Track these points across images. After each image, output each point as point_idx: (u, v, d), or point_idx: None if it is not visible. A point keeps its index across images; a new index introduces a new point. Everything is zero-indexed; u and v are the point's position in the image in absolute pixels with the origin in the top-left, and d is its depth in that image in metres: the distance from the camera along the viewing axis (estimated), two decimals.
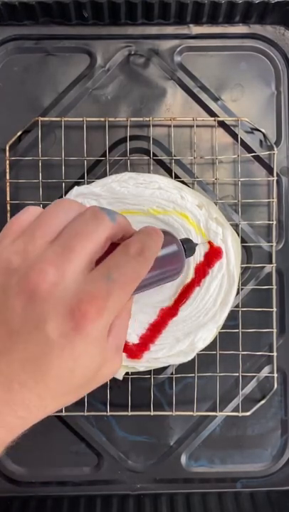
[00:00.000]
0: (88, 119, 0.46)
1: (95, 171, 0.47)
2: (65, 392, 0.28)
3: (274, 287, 0.47)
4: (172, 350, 0.43)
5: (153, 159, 0.47)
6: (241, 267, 0.46)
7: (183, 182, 0.46)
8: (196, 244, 0.41)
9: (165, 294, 0.43)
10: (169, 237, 0.34)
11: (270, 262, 0.47)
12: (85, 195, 0.43)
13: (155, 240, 0.31)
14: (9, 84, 0.48)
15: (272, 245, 0.47)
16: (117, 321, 0.29)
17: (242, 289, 0.47)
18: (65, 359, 0.26)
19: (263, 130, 0.48)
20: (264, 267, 0.48)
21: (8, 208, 0.46)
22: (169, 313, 0.43)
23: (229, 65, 0.49)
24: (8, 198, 0.46)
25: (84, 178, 0.46)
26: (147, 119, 0.47)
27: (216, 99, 0.48)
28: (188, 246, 0.36)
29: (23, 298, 0.26)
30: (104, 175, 0.46)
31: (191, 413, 0.46)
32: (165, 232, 0.34)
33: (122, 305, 0.28)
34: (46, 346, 0.26)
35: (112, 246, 0.30)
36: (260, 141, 0.48)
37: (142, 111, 0.48)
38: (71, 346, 0.26)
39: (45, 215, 0.29)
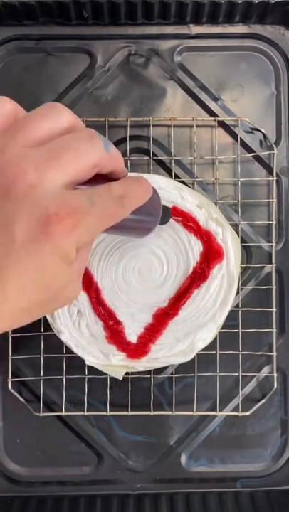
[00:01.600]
0: (88, 119, 0.46)
1: None
2: (23, 308, 0.26)
3: (274, 287, 0.47)
4: (172, 350, 0.43)
5: (153, 159, 0.47)
6: (241, 267, 0.46)
7: (183, 182, 0.46)
8: (170, 215, 0.40)
9: (165, 294, 0.43)
10: (155, 195, 0.34)
11: (270, 262, 0.47)
12: None
13: (140, 192, 0.30)
14: (9, 84, 0.48)
15: (272, 245, 0.47)
16: (82, 249, 0.28)
17: (242, 289, 0.47)
18: (28, 267, 0.24)
19: (262, 130, 0.48)
20: (264, 267, 0.48)
21: None
22: (166, 314, 0.43)
23: (229, 65, 0.49)
24: None
25: None
26: (147, 119, 0.47)
27: (216, 99, 0.48)
28: (164, 212, 0.36)
29: None
30: None
31: (191, 413, 0.46)
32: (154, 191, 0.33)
33: (94, 234, 0.27)
34: (10, 248, 0.24)
35: (96, 177, 0.28)
36: (260, 141, 0.48)
37: (142, 111, 0.48)
38: (37, 254, 0.24)
39: (33, 116, 0.27)
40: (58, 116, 0.28)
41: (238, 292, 0.45)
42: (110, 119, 0.47)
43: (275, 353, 0.47)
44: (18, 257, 0.24)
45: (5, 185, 0.25)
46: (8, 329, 0.26)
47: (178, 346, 0.43)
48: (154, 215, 0.35)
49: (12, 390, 0.46)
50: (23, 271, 0.24)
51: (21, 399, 0.46)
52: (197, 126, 0.47)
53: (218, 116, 0.48)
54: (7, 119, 0.27)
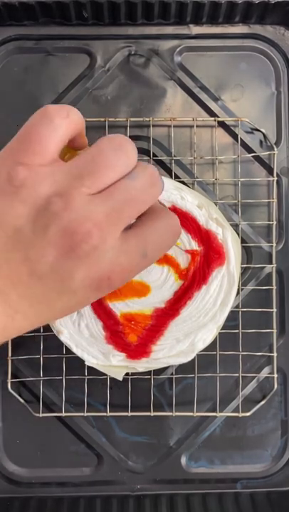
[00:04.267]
0: (88, 119, 0.46)
1: None
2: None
3: (274, 288, 0.47)
4: (172, 350, 0.43)
5: (153, 159, 0.47)
6: (241, 268, 0.45)
7: (183, 182, 0.46)
8: None
9: (165, 295, 0.43)
10: None
11: (270, 263, 0.47)
12: None
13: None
14: (9, 85, 0.48)
15: (272, 245, 0.47)
16: None
17: (242, 289, 0.47)
18: (75, 306, 0.28)
19: (263, 130, 0.48)
20: (264, 267, 0.48)
21: None
22: (166, 314, 0.43)
23: (229, 65, 0.48)
24: None
25: None
26: (147, 119, 0.47)
27: (216, 100, 0.48)
28: None
29: (59, 250, 0.26)
30: None
31: (191, 414, 0.46)
32: None
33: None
34: (66, 298, 0.27)
35: None
36: (260, 141, 0.48)
37: (142, 111, 0.48)
38: (87, 300, 0.28)
39: (103, 162, 0.27)
40: (126, 161, 0.28)
41: (238, 293, 0.45)
42: (110, 119, 0.46)
43: (275, 354, 0.47)
44: (69, 302, 0.27)
45: (69, 245, 0.26)
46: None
47: (178, 347, 0.43)
48: None
49: (12, 391, 0.46)
50: (66, 307, 0.28)
51: (21, 400, 0.46)
52: (197, 126, 0.47)
53: (218, 117, 0.48)
54: (74, 129, 0.29)
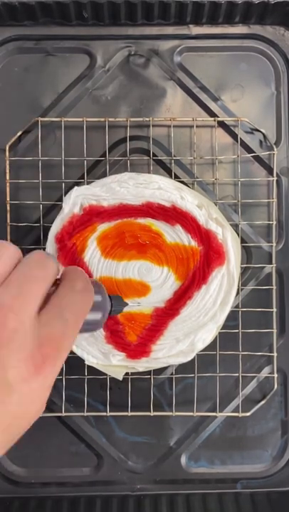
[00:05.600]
0: (88, 119, 0.46)
1: (94, 171, 0.47)
2: None
3: (274, 287, 0.47)
4: (172, 350, 0.43)
5: (153, 159, 0.47)
6: (241, 267, 0.45)
7: (183, 182, 0.46)
8: (126, 304, 0.41)
9: (165, 294, 0.43)
10: (96, 286, 0.34)
11: (270, 262, 0.47)
12: (85, 195, 0.43)
13: (86, 278, 0.32)
14: (9, 85, 0.48)
15: (272, 245, 0.47)
16: None
17: (242, 289, 0.47)
18: (23, 406, 0.26)
19: (262, 130, 0.48)
20: (264, 267, 0.48)
21: (8, 208, 0.46)
22: (166, 314, 0.43)
23: (229, 66, 0.49)
24: (8, 198, 0.46)
25: (84, 179, 0.46)
26: (147, 119, 0.47)
27: (215, 100, 0.48)
28: (116, 302, 0.36)
29: None
30: (104, 175, 0.46)
31: (191, 414, 0.46)
32: (92, 282, 0.33)
33: (73, 343, 0.29)
34: (6, 395, 0.25)
35: None
36: (260, 141, 0.48)
37: (142, 111, 0.48)
38: (32, 392, 0.26)
39: None
40: (10, 254, 0.28)
41: (238, 292, 0.45)
42: (110, 119, 0.47)
43: (275, 354, 0.47)
44: (13, 400, 0.26)
45: None
46: None
47: (178, 346, 0.43)
48: (102, 311, 0.34)
49: None
50: (15, 411, 0.26)
51: None
52: (197, 126, 0.47)
53: (218, 117, 0.48)
54: None
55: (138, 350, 0.43)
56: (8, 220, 0.46)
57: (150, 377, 0.46)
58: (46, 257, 0.29)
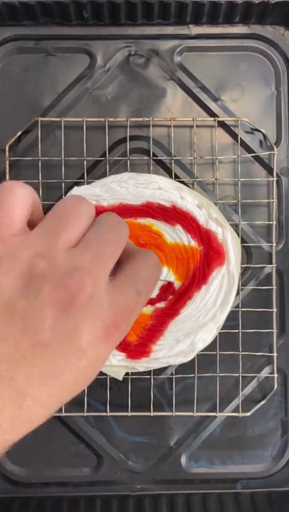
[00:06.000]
0: (88, 119, 0.46)
1: (94, 171, 0.47)
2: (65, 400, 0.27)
3: (274, 287, 0.47)
4: (172, 350, 0.43)
5: (153, 159, 0.47)
6: (241, 267, 0.45)
7: (183, 182, 0.46)
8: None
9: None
10: None
11: (270, 263, 0.47)
12: (85, 195, 0.43)
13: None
14: (9, 85, 0.48)
15: (272, 245, 0.47)
16: None
17: (242, 289, 0.47)
18: (87, 370, 0.26)
19: (263, 130, 0.48)
20: (264, 267, 0.48)
21: None
22: (166, 314, 0.43)
23: (229, 66, 0.49)
24: None
25: (84, 179, 0.46)
26: (147, 119, 0.47)
27: (216, 100, 0.48)
28: None
29: (57, 308, 0.25)
30: (104, 175, 0.46)
31: (191, 414, 0.46)
32: None
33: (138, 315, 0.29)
34: (75, 359, 0.25)
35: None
36: (260, 141, 0.48)
37: (142, 111, 0.48)
38: (98, 357, 0.26)
39: (67, 217, 0.27)
40: (88, 211, 0.28)
41: (238, 293, 0.45)
42: (110, 119, 0.46)
43: (275, 354, 0.47)
44: (81, 365, 0.26)
45: (65, 300, 0.25)
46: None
47: (178, 347, 0.43)
48: None
49: None
50: (81, 376, 0.26)
51: None
52: (197, 126, 0.47)
53: (218, 117, 0.48)
54: (34, 198, 0.28)
55: (138, 350, 0.43)
56: None
57: (150, 377, 0.46)
58: (120, 221, 0.29)
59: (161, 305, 0.43)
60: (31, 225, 0.28)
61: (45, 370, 0.25)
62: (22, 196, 0.28)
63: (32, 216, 0.29)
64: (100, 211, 0.43)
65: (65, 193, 0.45)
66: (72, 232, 0.27)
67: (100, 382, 0.46)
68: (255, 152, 0.48)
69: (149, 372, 0.45)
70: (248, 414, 0.46)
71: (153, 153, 0.47)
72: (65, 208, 0.28)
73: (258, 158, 0.48)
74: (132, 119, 0.47)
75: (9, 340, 0.24)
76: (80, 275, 0.25)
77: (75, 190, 0.43)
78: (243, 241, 0.47)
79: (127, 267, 0.29)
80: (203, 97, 0.48)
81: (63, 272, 0.25)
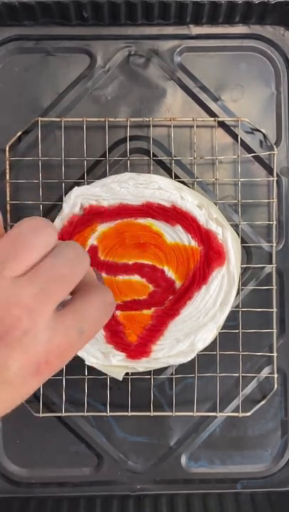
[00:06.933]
0: (88, 119, 0.46)
1: (94, 171, 0.47)
2: None
3: (274, 287, 0.47)
4: (172, 350, 0.43)
5: (153, 159, 0.47)
6: (241, 268, 0.45)
7: (183, 182, 0.46)
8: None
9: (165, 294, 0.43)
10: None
11: (270, 263, 0.47)
12: (85, 195, 0.43)
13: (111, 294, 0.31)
14: (9, 85, 0.48)
15: (272, 245, 0.47)
16: None
17: (242, 289, 0.47)
18: (16, 400, 0.26)
19: (263, 130, 0.48)
20: (264, 267, 0.48)
21: (8, 208, 0.46)
22: (166, 314, 0.43)
23: (229, 66, 0.49)
24: (8, 199, 0.46)
25: (84, 179, 0.46)
26: (147, 119, 0.47)
27: (216, 100, 0.48)
28: None
29: None
30: (104, 175, 0.46)
31: (191, 414, 0.46)
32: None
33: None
34: (3, 390, 0.25)
35: None
36: (260, 141, 0.48)
37: (142, 111, 0.48)
38: (27, 390, 0.26)
39: (21, 245, 0.26)
40: (47, 239, 0.27)
41: (238, 293, 0.45)
42: (110, 119, 0.46)
43: (275, 354, 0.47)
44: (8, 394, 0.26)
45: (0, 333, 0.25)
46: None
47: (178, 347, 0.43)
48: None
49: None
50: (4, 402, 0.26)
51: None
52: (197, 126, 0.47)
53: (218, 117, 0.48)
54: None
55: (138, 350, 0.43)
56: (9, 220, 0.46)
57: (150, 378, 0.46)
58: (79, 254, 0.28)
59: (161, 305, 0.43)
60: None
61: None
62: None
63: None
64: (100, 211, 0.43)
65: (65, 193, 0.45)
66: (22, 261, 0.26)
67: (100, 382, 0.46)
68: (255, 152, 0.48)
69: (149, 373, 0.45)
70: (248, 414, 0.46)
71: (153, 153, 0.47)
72: (21, 234, 0.27)
73: (258, 158, 0.48)
74: (132, 119, 0.47)
75: None
76: (16, 311, 0.25)
77: (75, 191, 0.43)
78: (243, 241, 0.47)
79: (78, 302, 0.28)
80: (203, 97, 0.48)
81: (1, 304, 0.25)
